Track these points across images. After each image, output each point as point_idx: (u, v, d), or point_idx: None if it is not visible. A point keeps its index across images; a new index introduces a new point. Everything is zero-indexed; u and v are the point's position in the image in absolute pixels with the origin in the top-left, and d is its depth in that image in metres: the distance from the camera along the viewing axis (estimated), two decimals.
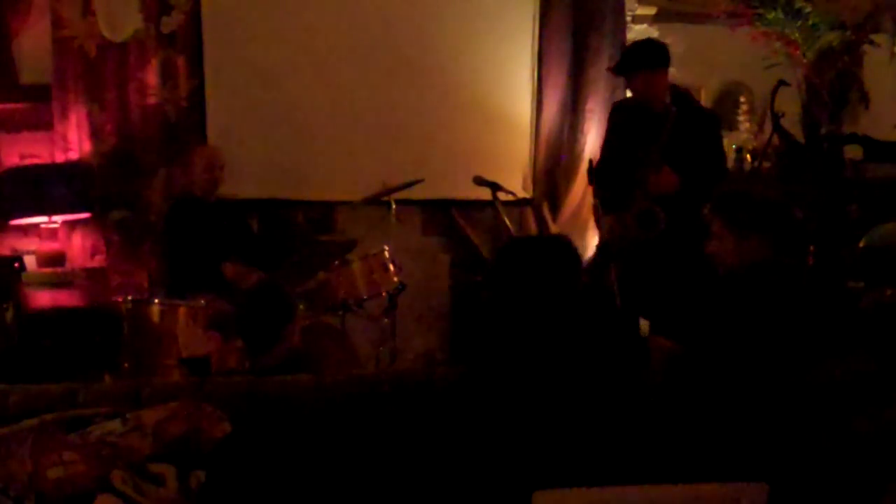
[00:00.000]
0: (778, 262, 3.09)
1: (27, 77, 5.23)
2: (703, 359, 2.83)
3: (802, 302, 2.99)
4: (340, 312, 4.81)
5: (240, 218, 5.16)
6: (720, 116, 4.64)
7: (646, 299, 4.28)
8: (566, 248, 2.44)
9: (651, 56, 4.42)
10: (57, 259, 5.08)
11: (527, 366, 2.27)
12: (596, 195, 4.59)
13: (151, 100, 5.33)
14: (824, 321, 2.92)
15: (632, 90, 4.51)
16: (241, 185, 5.26)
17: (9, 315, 4.64)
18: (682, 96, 4.59)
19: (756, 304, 2.93)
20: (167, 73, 5.35)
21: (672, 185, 4.30)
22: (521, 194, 5.74)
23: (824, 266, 4.76)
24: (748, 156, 5.81)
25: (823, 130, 5.49)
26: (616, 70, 4.55)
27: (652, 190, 4.31)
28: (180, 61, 5.37)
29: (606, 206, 4.42)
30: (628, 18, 6.08)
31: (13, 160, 5.18)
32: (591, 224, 5.09)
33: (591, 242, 5.31)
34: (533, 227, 5.92)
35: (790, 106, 5.52)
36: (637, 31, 6.05)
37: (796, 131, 5.56)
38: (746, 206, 3.17)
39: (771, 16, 5.51)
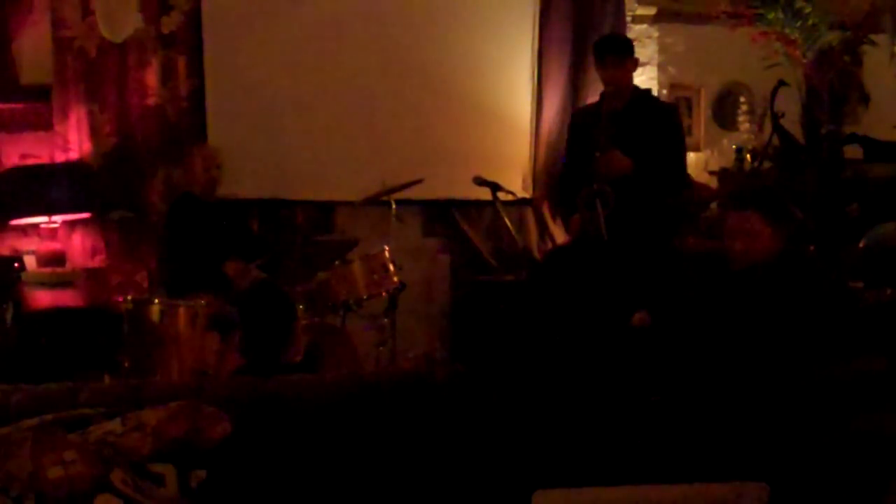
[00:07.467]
0: (798, 249, 3.11)
1: (27, 77, 5.23)
2: (714, 354, 2.82)
3: (822, 292, 3.00)
4: (340, 312, 4.82)
5: (240, 218, 5.16)
6: (673, 110, 4.85)
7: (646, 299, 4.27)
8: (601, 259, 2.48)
9: (630, 43, 4.72)
10: (57, 259, 5.08)
11: (529, 367, 2.27)
12: (560, 203, 4.65)
13: (151, 100, 5.33)
14: (834, 318, 2.93)
15: (616, 77, 4.49)
16: (241, 185, 5.27)
17: (8, 315, 4.64)
18: (642, 92, 4.70)
19: (792, 290, 2.93)
20: (167, 74, 5.35)
21: (623, 167, 4.33)
22: (521, 194, 5.74)
23: (824, 266, 4.75)
24: (748, 156, 5.80)
25: (823, 130, 5.48)
26: (617, 55, 4.53)
27: (601, 172, 4.32)
28: (180, 61, 5.38)
29: (569, 208, 4.46)
30: (628, 18, 6.08)
31: (13, 160, 5.18)
32: None
33: None
34: (533, 227, 5.92)
35: (790, 106, 5.52)
36: (637, 31, 6.05)
37: (796, 131, 5.55)
38: (777, 197, 3.19)
39: (771, 16, 5.51)
